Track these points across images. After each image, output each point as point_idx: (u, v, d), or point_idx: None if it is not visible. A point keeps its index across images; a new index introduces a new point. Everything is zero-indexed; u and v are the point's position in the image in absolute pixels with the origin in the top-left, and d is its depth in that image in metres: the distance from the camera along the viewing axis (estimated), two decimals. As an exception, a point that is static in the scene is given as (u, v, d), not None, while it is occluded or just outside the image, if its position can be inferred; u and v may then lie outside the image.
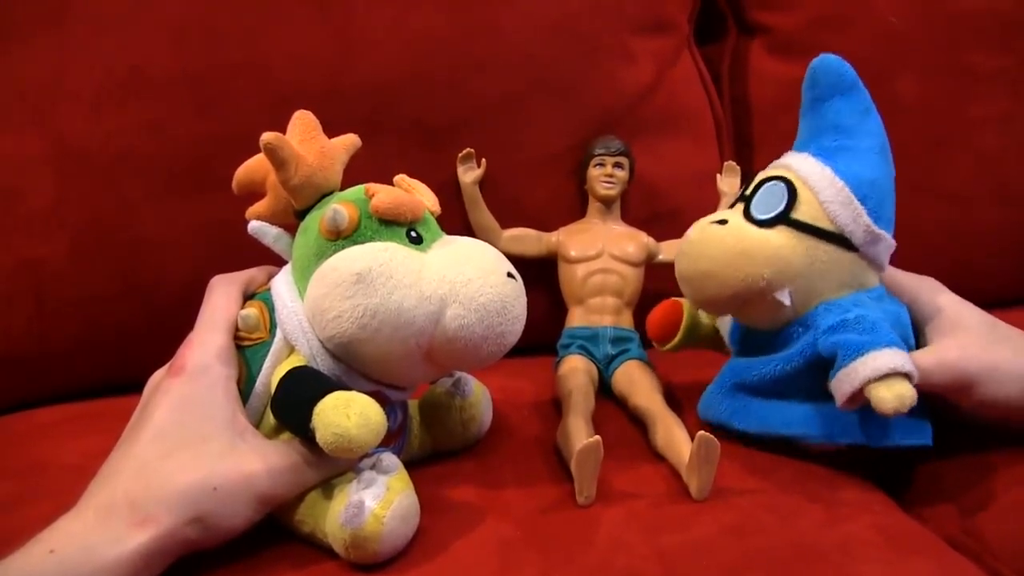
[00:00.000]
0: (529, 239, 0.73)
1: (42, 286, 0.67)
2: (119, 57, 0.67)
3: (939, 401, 0.53)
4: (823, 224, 0.52)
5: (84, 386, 0.70)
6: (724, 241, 0.53)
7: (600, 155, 0.72)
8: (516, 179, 0.74)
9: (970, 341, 0.53)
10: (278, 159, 0.48)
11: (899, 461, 0.57)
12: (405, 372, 0.49)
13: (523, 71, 0.73)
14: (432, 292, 0.47)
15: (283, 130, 0.51)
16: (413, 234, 0.49)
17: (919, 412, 0.52)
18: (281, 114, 0.51)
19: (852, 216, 0.52)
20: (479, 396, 0.57)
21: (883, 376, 0.47)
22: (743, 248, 0.52)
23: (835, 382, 0.50)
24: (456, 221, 0.72)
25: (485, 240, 0.72)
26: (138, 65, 0.67)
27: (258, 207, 0.54)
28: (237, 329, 0.49)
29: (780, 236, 0.52)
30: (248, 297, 0.51)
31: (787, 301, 0.52)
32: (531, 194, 0.75)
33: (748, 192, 0.56)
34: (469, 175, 0.72)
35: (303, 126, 0.51)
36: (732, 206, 0.57)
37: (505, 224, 0.73)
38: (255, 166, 0.54)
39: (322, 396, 0.43)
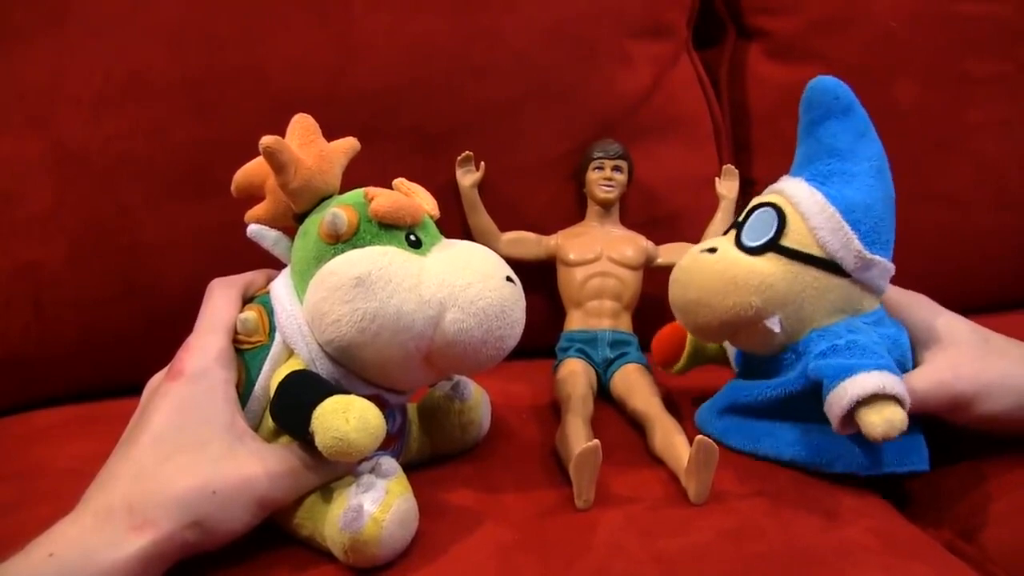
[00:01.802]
0: (528, 242, 0.74)
1: (41, 289, 0.67)
2: (118, 61, 0.67)
3: (935, 418, 0.53)
4: (812, 250, 0.52)
5: (82, 389, 0.70)
6: (713, 269, 0.53)
7: (599, 158, 0.72)
8: (515, 183, 0.74)
9: (963, 359, 0.52)
10: (277, 162, 0.48)
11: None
12: (404, 376, 0.49)
13: (522, 76, 0.73)
14: (431, 296, 0.47)
15: (282, 135, 0.51)
16: (412, 238, 0.49)
17: (915, 434, 0.53)
18: (280, 119, 0.51)
19: (842, 242, 0.51)
20: (478, 400, 0.57)
21: (872, 399, 0.47)
22: (731, 276, 0.52)
23: (826, 406, 0.49)
24: (455, 225, 0.72)
25: (484, 243, 0.72)
26: (137, 69, 0.67)
27: (257, 210, 0.54)
28: (236, 332, 0.49)
29: (769, 263, 0.52)
30: (247, 300, 0.51)
31: (777, 328, 0.52)
32: (530, 198, 0.75)
33: (741, 219, 0.56)
34: (468, 178, 0.72)
35: (302, 129, 0.51)
36: (726, 233, 0.57)
37: (504, 228, 0.74)
38: (254, 170, 0.53)
39: (321, 400, 0.43)
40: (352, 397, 0.44)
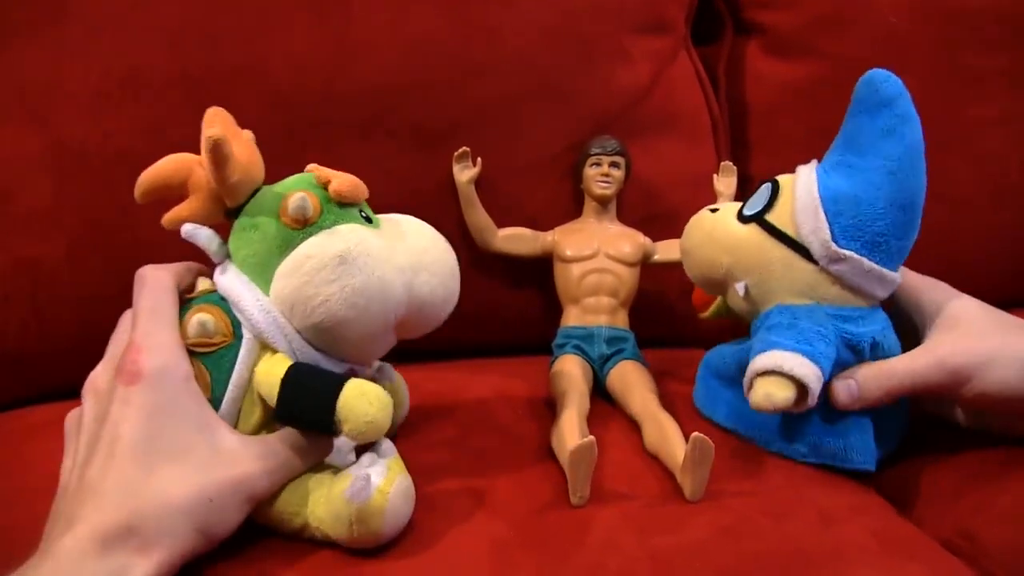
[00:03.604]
0: (525, 238, 0.73)
1: (39, 286, 0.67)
2: (117, 58, 0.67)
3: (937, 398, 0.55)
4: (787, 230, 0.54)
5: (80, 386, 0.69)
6: (702, 226, 0.59)
7: (596, 154, 0.72)
8: (513, 180, 0.74)
9: (964, 336, 0.53)
10: (224, 156, 0.47)
11: (894, 464, 0.58)
12: (377, 347, 0.51)
13: (520, 73, 0.73)
14: (404, 263, 0.49)
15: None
16: (363, 215, 0.50)
17: (864, 433, 0.54)
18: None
19: (812, 228, 0.53)
20: (400, 380, 0.59)
21: (772, 374, 0.49)
22: (711, 234, 0.58)
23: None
24: (452, 221, 0.72)
25: (480, 240, 0.72)
26: (136, 66, 0.67)
27: (181, 211, 0.50)
28: (187, 336, 0.47)
29: (748, 232, 0.56)
30: (184, 302, 0.50)
31: (741, 292, 0.56)
32: (528, 195, 0.75)
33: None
34: (465, 174, 0.72)
35: (225, 122, 0.50)
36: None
37: (501, 224, 0.73)
38: (171, 169, 0.50)
39: (336, 389, 0.45)
40: (359, 380, 0.46)
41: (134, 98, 0.67)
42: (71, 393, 0.69)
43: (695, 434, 0.49)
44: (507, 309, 0.77)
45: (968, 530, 0.51)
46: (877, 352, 0.54)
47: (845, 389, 0.52)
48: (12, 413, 0.67)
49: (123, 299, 0.68)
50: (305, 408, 0.46)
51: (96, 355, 0.69)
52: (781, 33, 0.84)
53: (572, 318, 0.70)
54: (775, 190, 0.55)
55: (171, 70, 0.67)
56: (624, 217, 0.74)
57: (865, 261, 0.52)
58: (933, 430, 0.58)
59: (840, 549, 0.46)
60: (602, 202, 0.72)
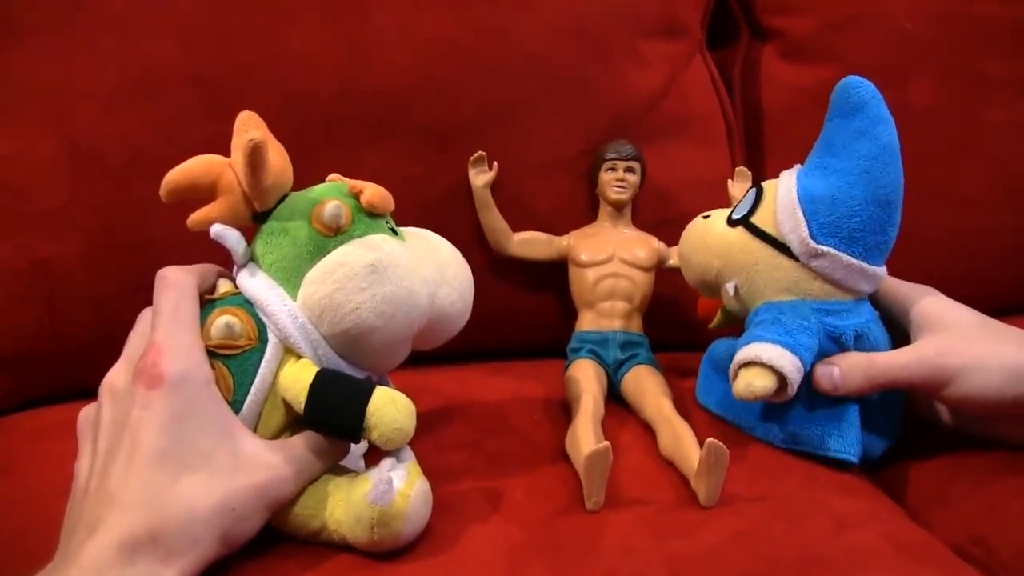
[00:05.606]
0: (540, 243, 0.73)
1: (54, 285, 0.67)
2: (131, 58, 0.67)
3: (927, 402, 0.56)
4: (770, 230, 0.56)
5: (95, 385, 0.69)
6: (696, 231, 0.62)
7: (612, 159, 0.72)
8: (527, 183, 0.74)
9: (952, 338, 0.54)
10: (261, 159, 0.47)
11: (902, 468, 0.58)
12: (397, 356, 0.52)
13: (534, 75, 0.73)
14: (428, 275, 0.50)
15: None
16: (389, 226, 0.51)
17: (850, 424, 0.55)
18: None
19: (792, 226, 0.55)
20: None
21: (753, 364, 0.51)
22: (703, 239, 0.61)
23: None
24: (466, 223, 0.73)
25: (495, 243, 0.72)
26: (150, 66, 0.67)
27: (209, 212, 0.50)
28: (211, 337, 0.47)
29: (736, 235, 0.58)
30: (205, 303, 0.49)
31: (731, 292, 0.58)
32: (542, 198, 0.75)
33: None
34: (481, 178, 0.72)
35: (258, 125, 0.50)
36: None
37: (515, 227, 0.73)
38: (200, 170, 0.49)
39: (365, 397, 0.45)
40: (387, 388, 0.47)
41: (148, 98, 0.67)
42: (85, 393, 0.69)
43: (709, 439, 0.49)
44: (522, 313, 0.77)
45: (980, 536, 0.51)
46: (861, 344, 0.55)
47: (827, 375, 0.54)
48: (28, 413, 0.67)
49: (138, 299, 0.68)
50: (334, 414, 0.46)
51: (111, 355, 0.69)
52: (796, 37, 0.84)
53: (587, 322, 0.70)
54: (759, 194, 0.58)
55: (185, 70, 0.68)
56: (638, 221, 0.74)
57: (844, 256, 0.54)
58: (940, 435, 0.58)
59: (853, 554, 0.46)
60: (617, 207, 0.72)
